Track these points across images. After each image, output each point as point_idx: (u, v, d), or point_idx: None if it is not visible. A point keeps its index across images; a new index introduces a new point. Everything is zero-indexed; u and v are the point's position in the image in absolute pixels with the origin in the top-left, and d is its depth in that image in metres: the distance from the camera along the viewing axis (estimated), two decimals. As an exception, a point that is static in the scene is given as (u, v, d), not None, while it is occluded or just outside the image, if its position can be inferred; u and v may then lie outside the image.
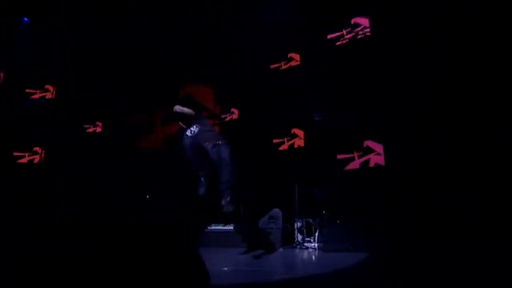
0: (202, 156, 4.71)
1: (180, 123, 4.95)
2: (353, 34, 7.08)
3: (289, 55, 7.67)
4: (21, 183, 6.41)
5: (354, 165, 6.58)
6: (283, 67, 7.69)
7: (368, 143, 6.54)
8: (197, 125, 4.90)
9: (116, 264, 2.33)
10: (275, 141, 7.50)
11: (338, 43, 7.14)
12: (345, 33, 7.14)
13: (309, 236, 6.01)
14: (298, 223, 6.20)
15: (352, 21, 7.07)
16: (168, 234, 2.72)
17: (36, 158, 8.41)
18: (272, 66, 7.80)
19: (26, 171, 7.98)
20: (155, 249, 2.53)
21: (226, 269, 4.11)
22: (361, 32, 7.02)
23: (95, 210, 2.74)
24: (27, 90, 8.72)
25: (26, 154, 8.33)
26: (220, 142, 4.75)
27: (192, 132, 4.87)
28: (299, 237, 6.10)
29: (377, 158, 6.46)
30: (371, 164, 6.46)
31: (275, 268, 4.35)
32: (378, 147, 6.49)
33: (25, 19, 8.83)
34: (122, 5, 7.62)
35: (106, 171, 7.34)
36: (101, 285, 2.21)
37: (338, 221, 6.02)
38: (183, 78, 8.33)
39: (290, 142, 7.37)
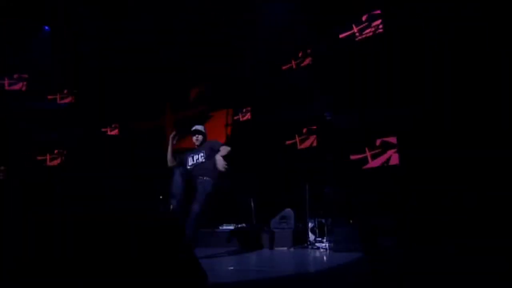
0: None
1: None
2: (367, 31, 7.00)
3: (299, 54, 7.66)
4: (22, 183, 6.60)
5: (366, 164, 6.52)
6: (294, 66, 7.69)
7: (382, 141, 6.47)
8: (203, 153, 4.83)
9: (116, 264, 2.35)
10: (287, 142, 7.51)
11: (358, 38, 7.05)
12: (356, 31, 7.08)
13: (321, 236, 5.99)
14: (311, 223, 6.19)
15: (363, 18, 7.01)
16: (168, 234, 2.75)
17: (58, 160, 8.68)
18: (283, 67, 7.82)
19: (27, 171, 8.19)
20: (155, 249, 2.55)
21: (231, 268, 4.15)
22: (375, 29, 6.93)
23: (95, 210, 2.79)
24: (49, 97, 9.01)
25: (48, 156, 8.62)
26: (206, 178, 4.67)
27: (197, 160, 4.83)
28: (312, 237, 6.09)
29: (391, 157, 6.39)
30: (384, 163, 6.39)
31: (281, 267, 4.36)
32: (393, 146, 6.41)
33: (46, 27, 9.15)
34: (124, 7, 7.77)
35: (112, 172, 7.54)
36: (101, 285, 2.24)
37: (351, 221, 5.99)
38: (191, 79, 8.45)
39: (309, 142, 7.34)
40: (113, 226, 2.50)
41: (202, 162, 4.79)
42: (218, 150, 4.69)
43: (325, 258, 4.84)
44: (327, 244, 5.65)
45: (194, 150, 4.92)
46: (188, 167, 4.84)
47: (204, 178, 4.65)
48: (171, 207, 4.73)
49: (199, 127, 4.96)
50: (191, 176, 4.77)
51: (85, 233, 2.38)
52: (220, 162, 4.57)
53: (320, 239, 5.92)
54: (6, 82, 8.61)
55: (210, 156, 4.74)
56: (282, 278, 3.69)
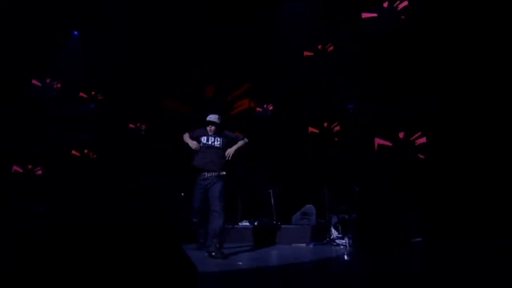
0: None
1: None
2: (390, 20, 6.72)
3: (319, 47, 7.47)
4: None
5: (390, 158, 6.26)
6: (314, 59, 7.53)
7: (406, 134, 6.19)
8: (220, 140, 4.74)
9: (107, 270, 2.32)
10: (311, 137, 7.35)
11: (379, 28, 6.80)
12: (378, 20, 6.81)
13: (344, 233, 5.79)
14: (334, 219, 6.01)
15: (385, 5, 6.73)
16: (155, 231, 2.71)
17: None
18: (305, 60, 7.65)
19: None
20: (142, 248, 2.51)
21: (240, 263, 4.08)
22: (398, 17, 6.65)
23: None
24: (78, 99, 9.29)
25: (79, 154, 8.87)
26: (216, 174, 4.56)
27: (212, 143, 4.72)
28: (335, 233, 5.90)
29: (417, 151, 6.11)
30: (409, 157, 6.11)
31: (285, 263, 4.24)
32: (418, 139, 6.12)
33: (75, 32, 9.49)
34: None
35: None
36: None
37: (372, 218, 5.79)
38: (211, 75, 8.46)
39: (332, 135, 7.16)
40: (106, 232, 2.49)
41: (216, 148, 4.71)
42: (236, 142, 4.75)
43: (346, 256, 4.69)
44: (347, 241, 5.45)
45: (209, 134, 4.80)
46: (201, 144, 4.73)
47: (214, 175, 4.57)
48: (194, 221, 4.62)
49: (213, 119, 4.76)
50: (199, 168, 4.66)
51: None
52: (230, 150, 4.62)
53: (341, 235, 5.72)
54: (38, 86, 8.96)
55: (226, 147, 4.71)
56: (280, 274, 3.60)
